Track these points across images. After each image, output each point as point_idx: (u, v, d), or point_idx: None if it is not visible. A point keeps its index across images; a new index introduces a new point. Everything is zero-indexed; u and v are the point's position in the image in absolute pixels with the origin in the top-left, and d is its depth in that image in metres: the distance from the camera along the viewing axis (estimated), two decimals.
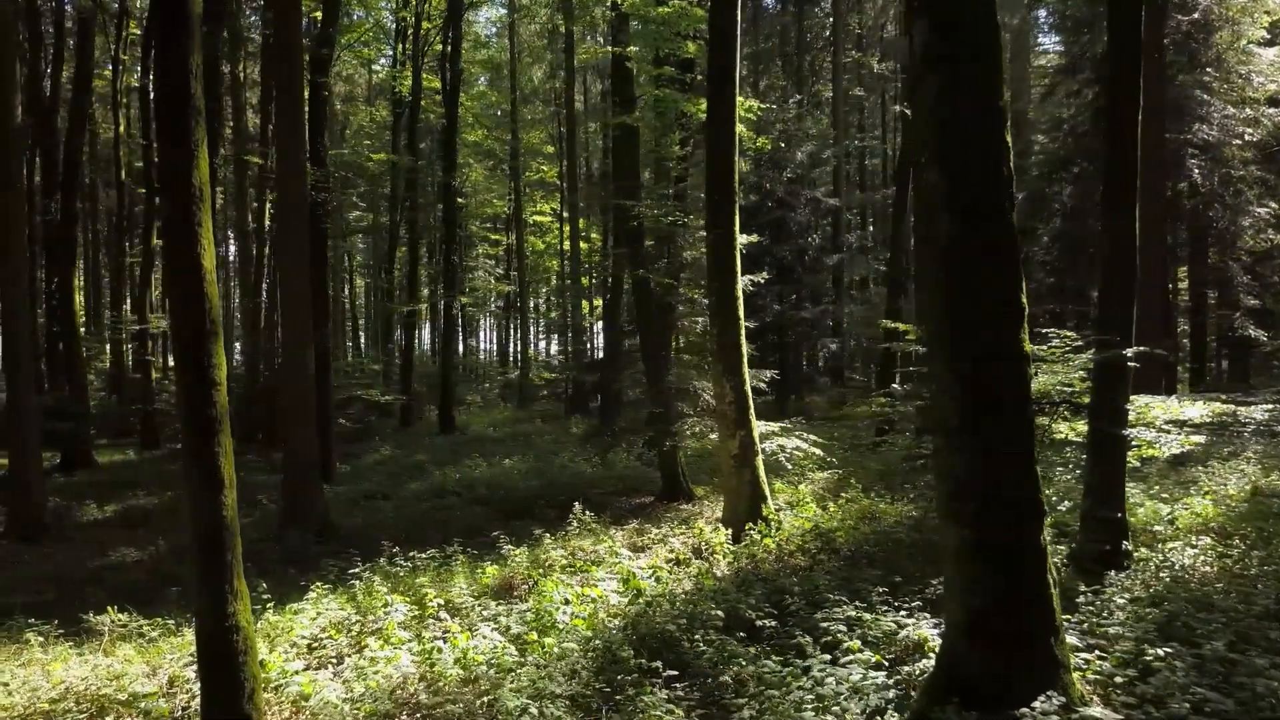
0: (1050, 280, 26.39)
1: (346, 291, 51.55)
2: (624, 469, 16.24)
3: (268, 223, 29.21)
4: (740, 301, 10.39)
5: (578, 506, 10.52)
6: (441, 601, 7.14)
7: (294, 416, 12.12)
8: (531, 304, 51.56)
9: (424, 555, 8.96)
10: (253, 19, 29.43)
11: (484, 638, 6.20)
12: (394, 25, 34.00)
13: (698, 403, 12.98)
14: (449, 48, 28.81)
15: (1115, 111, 7.50)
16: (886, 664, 5.41)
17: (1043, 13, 38.42)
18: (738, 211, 10.52)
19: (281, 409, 12.60)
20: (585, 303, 40.27)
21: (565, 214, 47.50)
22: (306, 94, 15.56)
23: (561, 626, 6.65)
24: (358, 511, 13.74)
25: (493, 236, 51.14)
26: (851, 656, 5.32)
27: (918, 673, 5.22)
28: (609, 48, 13.25)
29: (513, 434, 26.51)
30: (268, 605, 7.71)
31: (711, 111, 10.69)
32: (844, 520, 10.11)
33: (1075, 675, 4.70)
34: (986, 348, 4.63)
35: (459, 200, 33.47)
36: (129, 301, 35.03)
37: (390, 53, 36.52)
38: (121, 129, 34.15)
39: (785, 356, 26.56)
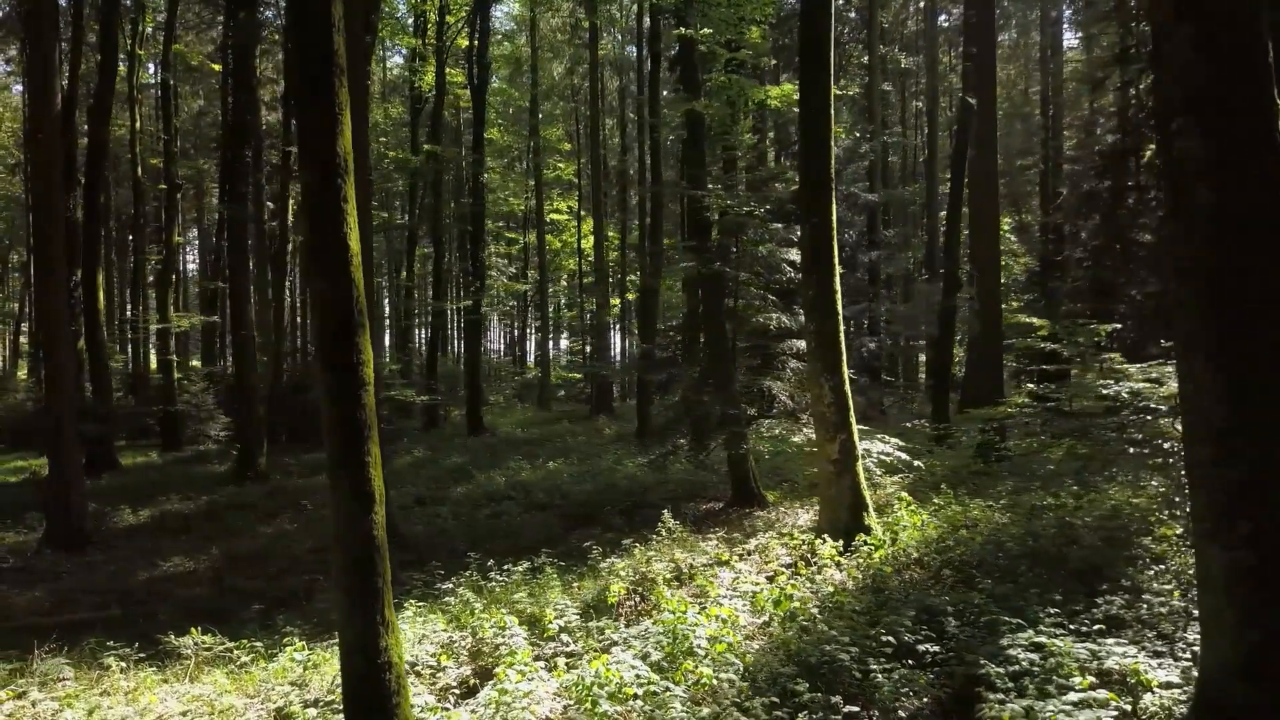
0: (1090, 278, 25.79)
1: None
2: (679, 473, 15.59)
3: (290, 218, 28.59)
4: (839, 295, 9.75)
5: (667, 514, 9.90)
6: (563, 624, 6.48)
7: None
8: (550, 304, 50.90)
9: (518, 568, 8.31)
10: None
11: (625, 665, 5.54)
12: (411, 19, 33.26)
13: (774, 404, 12.33)
14: (476, 41, 28.16)
15: None
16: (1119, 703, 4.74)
17: (1068, 10, 37.90)
18: (834, 200, 9.88)
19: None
20: (600, 301, 39.64)
21: (582, 212, 46.99)
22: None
23: (700, 651, 6.01)
24: (415, 518, 13.10)
25: (508, 235, 50.51)
26: (1082, 695, 4.66)
27: (1153, 713, 4.58)
28: (679, 30, 12.59)
29: (542, 435, 25.89)
30: None
31: (805, 94, 10.05)
32: (950, 529, 9.47)
33: None
34: (1265, 339, 3.99)
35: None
36: (140, 302, 34.44)
37: (403, 49, 35.87)
38: (138, 126, 33.49)
39: None
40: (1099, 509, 9.86)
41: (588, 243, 44.96)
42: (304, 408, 26.35)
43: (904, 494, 11.85)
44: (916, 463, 11.89)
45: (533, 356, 53.89)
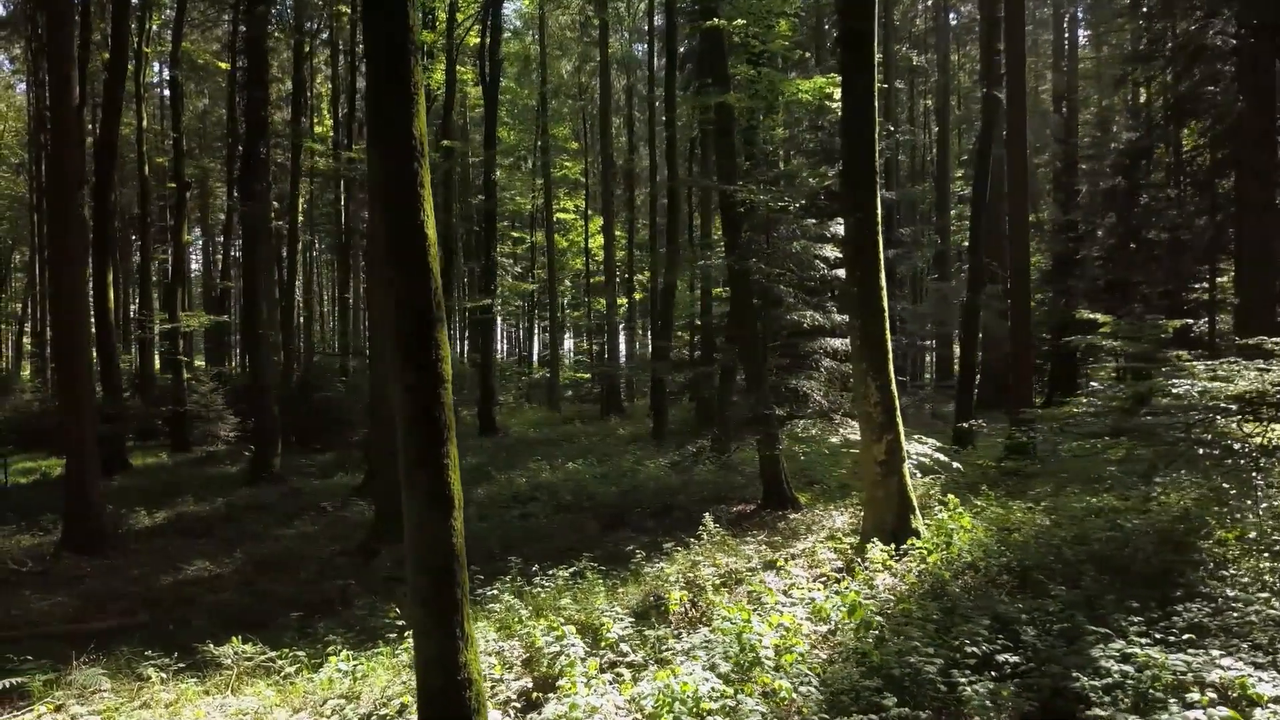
0: (1107, 278, 25.54)
1: (355, 289, 50.68)
2: (704, 474, 15.33)
3: (300, 218, 28.30)
4: (885, 293, 9.49)
5: (708, 518, 9.63)
6: (619, 632, 6.21)
7: (389, 421, 11.20)
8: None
9: (561, 573, 8.04)
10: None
11: (697, 677, 5.28)
12: (420, 16, 33.00)
13: (808, 404, 12.07)
14: (488, 38, 27.88)
15: None
16: None
17: (1081, 12, 37.64)
18: (879, 194, 9.62)
19: (376, 413, 11.66)
20: (610, 301, 39.36)
21: (589, 211, 46.72)
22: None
23: (767, 661, 5.75)
24: None
25: (514, 234, 50.24)
26: (1198, 713, 4.39)
27: None
28: (712, 20, 12.31)
29: (555, 436, 25.64)
30: (405, 633, 6.81)
31: (847, 84, 9.78)
32: (1000, 532, 9.23)
33: None
34: None
35: (482, 197, 32.63)
36: (148, 301, 34.19)
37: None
38: (144, 124, 33.22)
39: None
40: (1148, 511, 9.63)
41: (595, 242, 44.71)
42: (314, 408, 26.10)
43: (943, 496, 11.63)
44: (955, 464, 11.62)
45: (536, 356, 53.56)
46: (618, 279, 40.99)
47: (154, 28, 35.58)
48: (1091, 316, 9.35)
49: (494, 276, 28.84)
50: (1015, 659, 5.67)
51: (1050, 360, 26.29)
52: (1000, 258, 21.75)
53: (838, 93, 13.28)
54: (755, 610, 6.94)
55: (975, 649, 5.53)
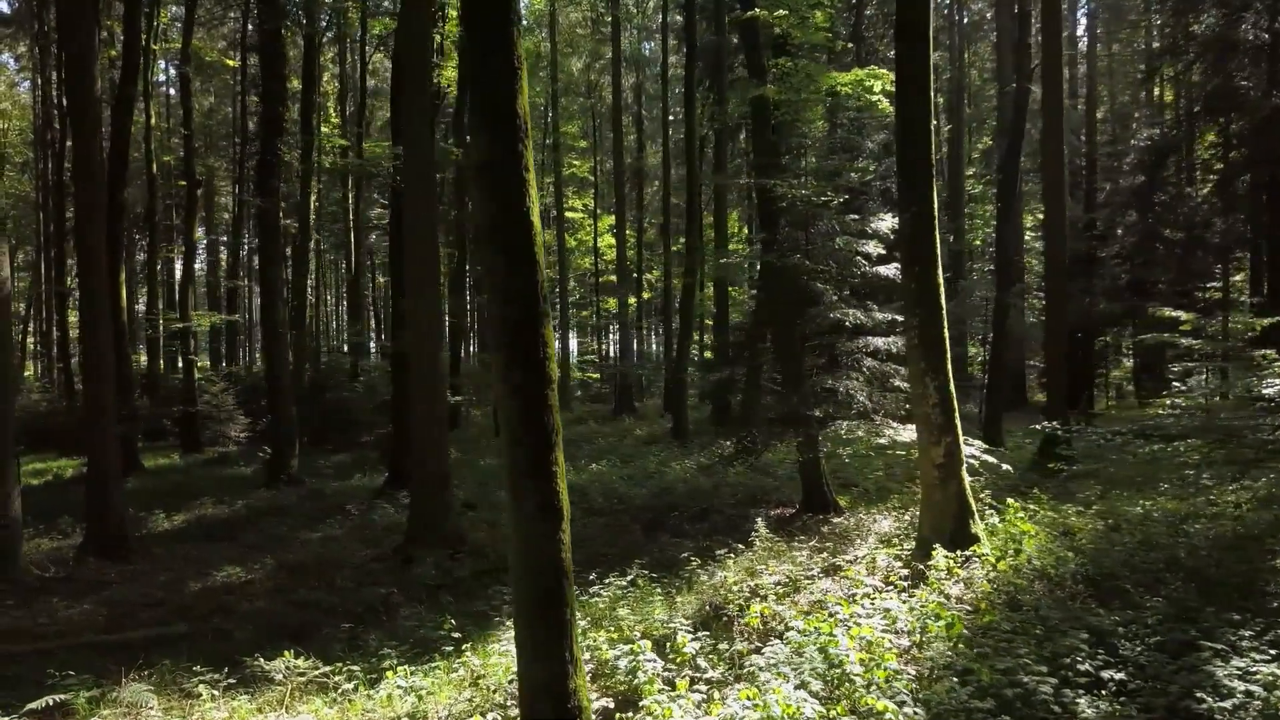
0: (1126, 277, 25.22)
1: (370, 290, 50.39)
2: (735, 476, 15.02)
3: (313, 216, 27.98)
4: (942, 290, 9.18)
5: (761, 523, 9.31)
6: (694, 647, 5.88)
7: (423, 423, 10.89)
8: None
9: (617, 581, 7.73)
10: None
11: (794, 697, 4.96)
12: None
13: (852, 405, 11.75)
14: None
15: None
16: None
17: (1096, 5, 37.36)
18: (934, 188, 9.30)
19: (416, 415, 11.33)
20: (622, 300, 39.10)
21: (598, 210, 46.39)
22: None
23: (856, 677, 5.43)
24: (471, 525, 12.48)
25: None
26: None
27: None
28: (752, 11, 12.00)
29: (571, 436, 25.29)
30: (462, 646, 6.49)
31: (902, 73, 9.46)
32: (1064, 537, 8.93)
33: None
34: None
35: None
36: (157, 300, 33.83)
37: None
38: (151, 122, 32.90)
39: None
40: (1213, 515, 9.32)
41: (603, 241, 44.41)
42: (327, 408, 25.79)
43: (992, 500, 11.31)
44: (1005, 466, 11.31)
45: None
46: (628, 279, 40.71)
47: (160, 25, 35.32)
48: (1173, 314, 9.00)
49: None
50: (1120, 676, 5.36)
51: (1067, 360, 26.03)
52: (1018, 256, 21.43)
53: (877, 85, 13.02)
54: (828, 621, 6.63)
55: (1085, 666, 5.21)
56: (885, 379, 12.54)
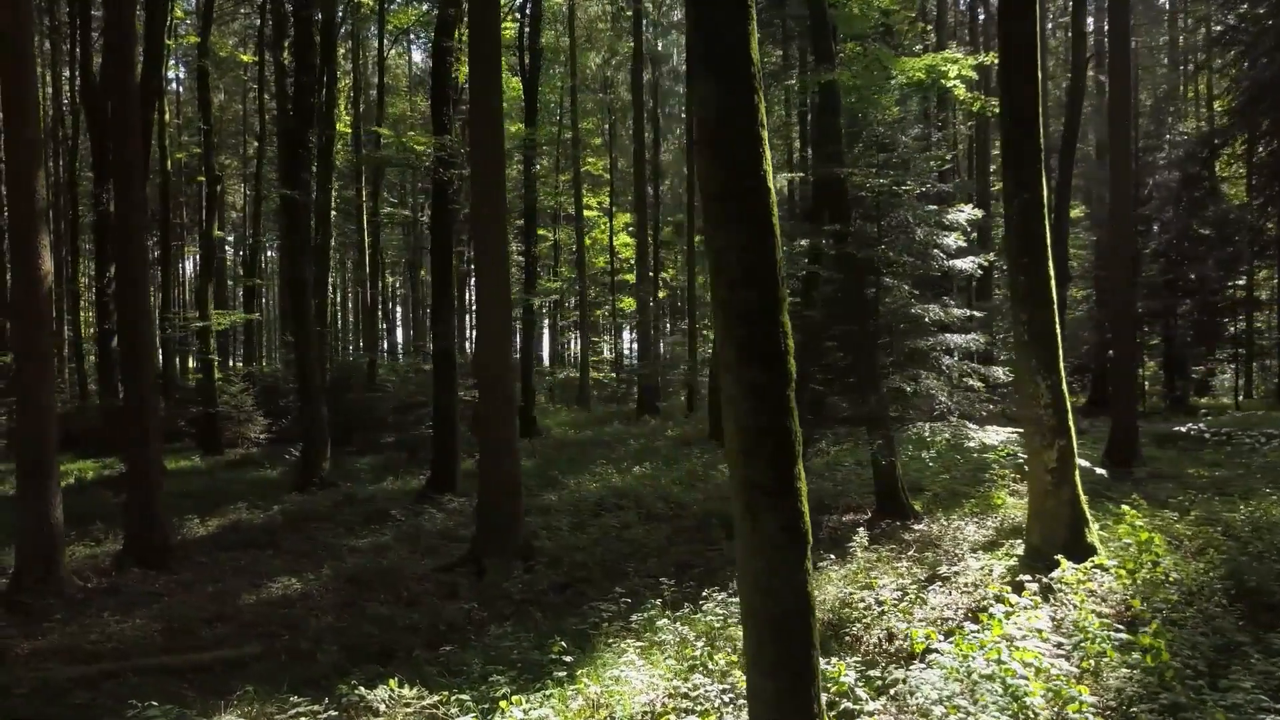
0: (1166, 276, 24.65)
1: (379, 288, 49.85)
2: None
3: (333, 211, 27.39)
4: (1053, 283, 8.61)
5: (862, 532, 8.74)
6: (851, 677, 5.31)
7: (493, 423, 10.33)
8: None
9: (718, 595, 7.15)
10: None
11: None
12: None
13: (933, 405, 11.19)
14: (527, 27, 26.95)
15: None
16: None
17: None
18: (1044, 175, 8.74)
19: (485, 417, 10.79)
20: (642, 300, 38.46)
21: (613, 208, 45.76)
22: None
23: (1038, 712, 4.87)
24: (530, 532, 11.90)
25: (538, 232, 49.35)
26: None
27: None
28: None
29: (597, 437, 24.73)
30: (575, 671, 5.91)
31: (1005, 51, 8.91)
32: (1192, 547, 8.38)
33: None
34: None
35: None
36: (173, 298, 33.27)
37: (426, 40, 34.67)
38: (165, 118, 32.34)
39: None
40: None
41: (619, 239, 43.79)
42: (348, 408, 25.18)
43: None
44: (1099, 470, 10.74)
45: (548, 356, 52.68)
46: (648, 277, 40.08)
47: (172, 21, 34.78)
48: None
49: (535, 273, 27.94)
50: None
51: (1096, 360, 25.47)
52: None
53: (953, 70, 12.44)
54: (970, 642, 6.05)
55: None
56: (961, 378, 12.00)
